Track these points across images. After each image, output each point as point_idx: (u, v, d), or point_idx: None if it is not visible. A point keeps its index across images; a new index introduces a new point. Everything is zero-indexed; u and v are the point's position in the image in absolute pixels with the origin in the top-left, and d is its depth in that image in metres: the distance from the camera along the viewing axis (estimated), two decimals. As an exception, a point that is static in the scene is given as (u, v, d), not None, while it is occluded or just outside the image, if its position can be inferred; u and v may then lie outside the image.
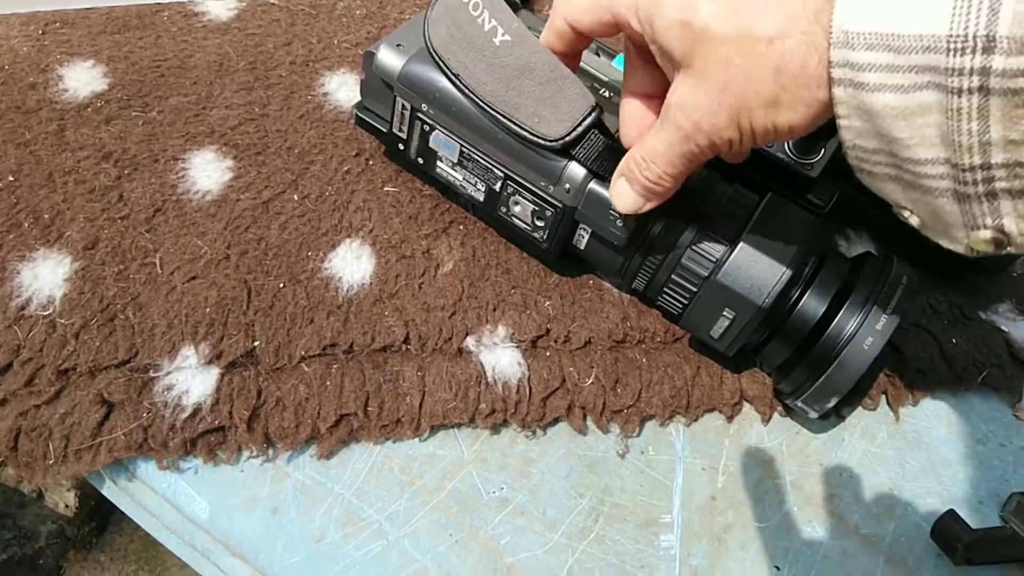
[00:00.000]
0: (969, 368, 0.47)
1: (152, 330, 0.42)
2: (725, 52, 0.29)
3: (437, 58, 0.41)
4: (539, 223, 0.44)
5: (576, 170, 0.41)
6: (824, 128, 0.43)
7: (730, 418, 0.45)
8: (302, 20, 0.58)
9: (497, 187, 0.44)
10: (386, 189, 0.50)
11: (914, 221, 0.30)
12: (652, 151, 0.35)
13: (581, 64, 0.46)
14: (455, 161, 0.45)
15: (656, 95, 0.37)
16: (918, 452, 0.45)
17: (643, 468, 0.43)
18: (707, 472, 0.43)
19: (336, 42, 0.57)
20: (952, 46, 0.24)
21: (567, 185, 0.41)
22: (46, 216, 0.45)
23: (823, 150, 0.45)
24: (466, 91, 0.40)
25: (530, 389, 0.43)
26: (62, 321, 0.42)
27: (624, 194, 0.38)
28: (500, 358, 0.44)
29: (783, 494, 0.43)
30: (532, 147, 0.40)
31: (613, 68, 0.47)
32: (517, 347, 0.44)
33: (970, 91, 0.24)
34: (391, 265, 0.46)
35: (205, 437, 0.40)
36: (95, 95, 0.51)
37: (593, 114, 0.39)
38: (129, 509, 0.41)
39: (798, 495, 0.43)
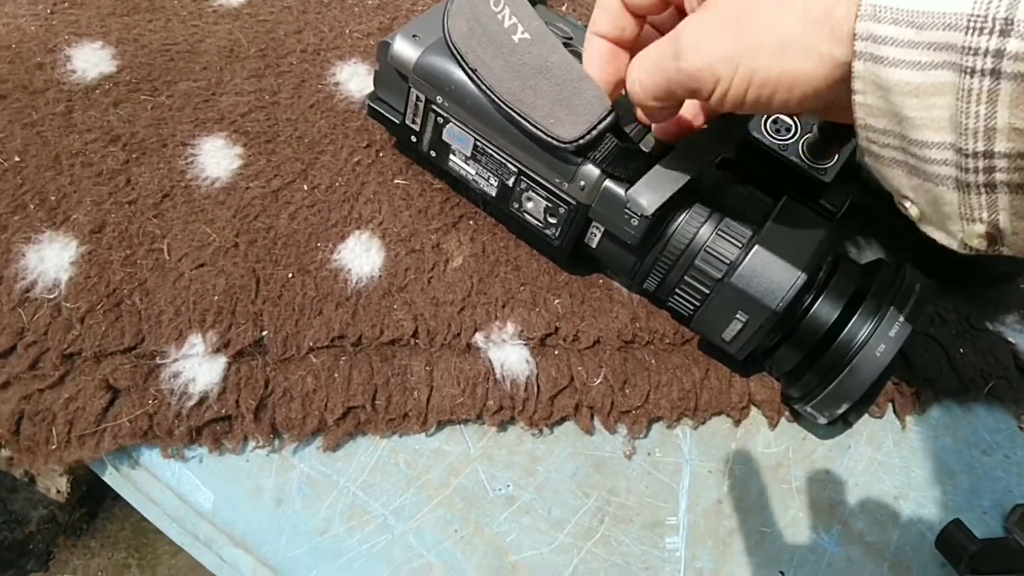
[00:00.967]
0: (976, 378, 0.47)
1: (159, 317, 0.41)
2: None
3: (455, 51, 0.40)
4: (552, 220, 0.44)
5: (591, 168, 0.40)
6: (839, 134, 0.43)
7: (737, 422, 0.45)
8: (314, 8, 0.57)
9: (510, 182, 0.44)
10: (396, 182, 0.49)
11: (913, 212, 0.29)
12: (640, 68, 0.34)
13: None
14: (468, 155, 0.44)
15: (624, 44, 0.37)
16: (924, 461, 0.45)
17: (649, 470, 0.43)
18: (713, 475, 0.43)
19: (348, 31, 0.56)
20: (972, 24, 0.24)
21: (582, 183, 0.41)
22: (52, 198, 0.44)
23: (837, 156, 0.45)
24: (482, 87, 0.40)
25: (538, 387, 0.43)
26: (67, 305, 0.41)
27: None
28: (509, 355, 0.44)
29: (789, 499, 0.43)
30: (544, 146, 0.40)
31: (630, 66, 0.47)
32: (526, 345, 0.44)
33: (983, 73, 0.24)
34: (400, 258, 0.46)
35: (211, 426, 0.40)
36: (103, 77, 0.50)
37: (609, 118, 0.39)
38: (131, 497, 0.40)
39: (803, 501, 0.43)
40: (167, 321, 0.41)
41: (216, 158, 0.48)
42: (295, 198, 0.47)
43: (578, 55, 0.43)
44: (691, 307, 0.42)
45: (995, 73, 0.24)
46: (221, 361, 0.41)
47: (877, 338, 0.39)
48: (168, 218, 0.45)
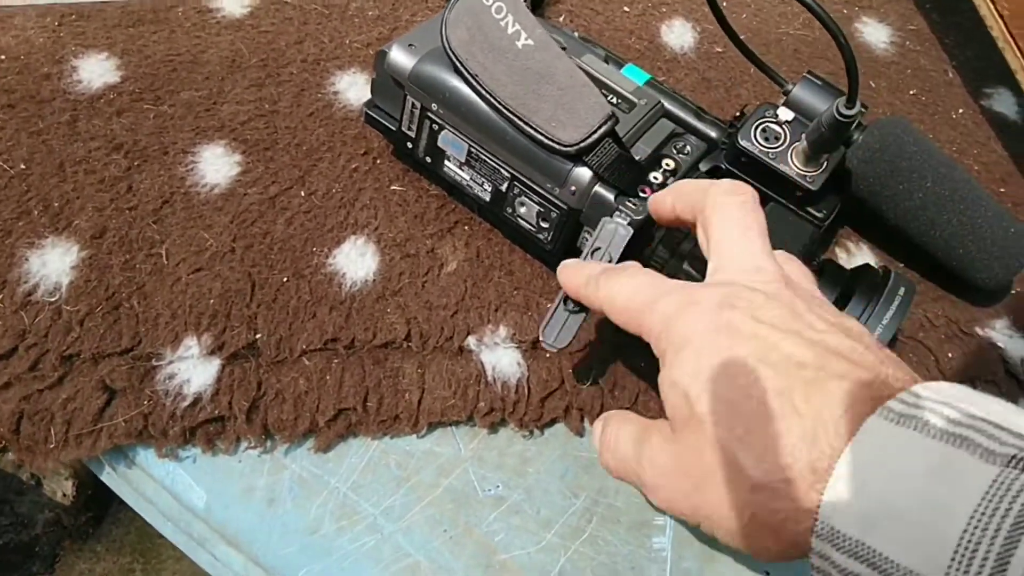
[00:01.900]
0: (964, 382, 0.47)
1: (156, 319, 0.42)
2: (708, 456, 0.29)
3: (455, 58, 0.41)
4: (544, 224, 0.44)
5: (582, 173, 0.41)
6: (826, 144, 0.44)
7: (726, 425, 0.45)
8: (315, 19, 0.58)
9: (503, 187, 0.44)
10: (393, 188, 0.50)
11: None
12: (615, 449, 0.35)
13: (589, 68, 0.46)
14: (463, 161, 0.45)
15: None
16: (912, 465, 0.45)
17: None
18: (702, 478, 0.44)
19: (348, 42, 0.57)
20: None
21: (572, 187, 0.42)
22: (56, 205, 0.46)
23: (824, 163, 0.45)
24: (484, 92, 0.41)
25: (529, 389, 0.43)
26: (68, 308, 0.42)
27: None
28: (500, 358, 0.44)
29: (777, 502, 0.43)
30: (542, 149, 0.41)
31: (621, 76, 0.47)
32: (518, 348, 0.45)
33: None
34: (395, 263, 0.47)
35: (204, 427, 0.41)
36: (108, 87, 0.51)
37: (608, 123, 0.40)
38: (127, 495, 0.41)
39: (792, 503, 0.43)
40: (163, 324, 0.42)
41: (216, 165, 0.49)
42: (292, 204, 0.48)
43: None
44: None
45: None
46: (215, 363, 0.41)
47: (861, 341, 0.39)
48: (167, 224, 0.46)
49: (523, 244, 0.49)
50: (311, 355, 0.43)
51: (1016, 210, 0.56)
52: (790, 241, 0.41)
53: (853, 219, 0.53)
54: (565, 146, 0.40)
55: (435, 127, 0.45)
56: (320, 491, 0.41)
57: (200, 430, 0.41)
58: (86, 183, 0.47)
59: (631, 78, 0.49)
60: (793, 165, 0.45)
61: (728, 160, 0.47)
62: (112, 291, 0.43)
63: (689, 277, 0.41)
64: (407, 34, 0.45)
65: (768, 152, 0.46)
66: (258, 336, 0.42)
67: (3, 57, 0.52)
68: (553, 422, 0.44)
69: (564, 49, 0.46)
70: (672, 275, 0.42)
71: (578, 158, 0.41)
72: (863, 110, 0.47)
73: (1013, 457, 0.22)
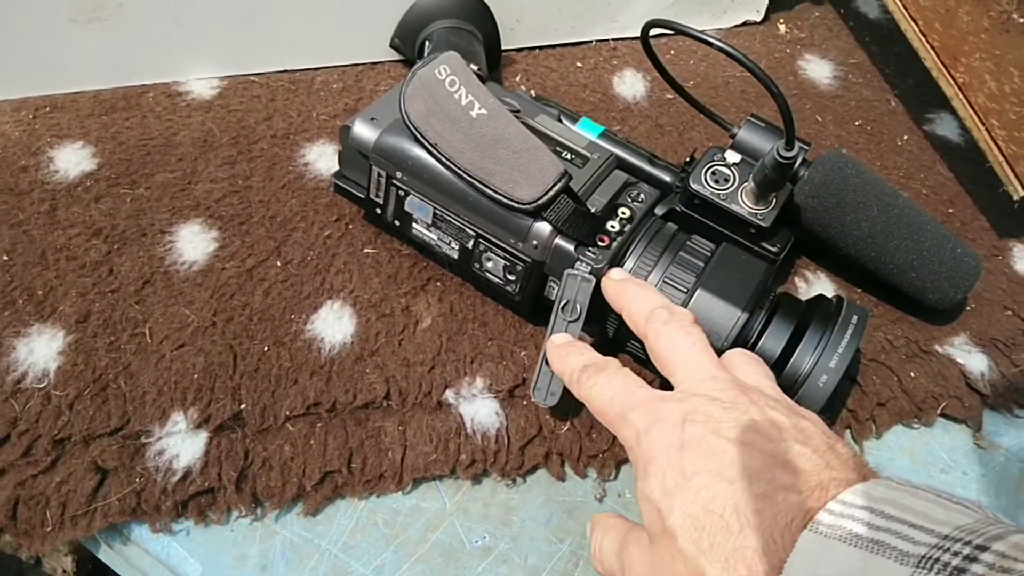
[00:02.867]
0: (928, 400, 0.49)
1: (143, 398, 0.44)
2: (679, 567, 0.31)
3: (415, 130, 0.44)
4: (511, 277, 0.46)
5: (542, 228, 0.43)
6: (773, 182, 0.46)
7: (702, 458, 0.47)
8: (282, 95, 0.61)
9: (470, 245, 0.46)
10: (366, 251, 0.52)
11: None
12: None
13: (543, 127, 0.49)
14: (429, 222, 0.47)
15: None
16: (884, 483, 0.47)
17: (621, 510, 0.45)
18: (682, 511, 0.45)
19: (315, 115, 0.60)
20: None
21: (534, 242, 0.44)
22: (40, 292, 0.47)
23: (774, 200, 0.47)
24: (444, 159, 0.43)
25: (508, 438, 0.45)
26: (57, 392, 0.43)
27: None
28: (479, 409, 0.46)
29: (755, 530, 0.45)
30: (503, 208, 0.43)
31: (574, 132, 0.50)
32: (495, 397, 0.46)
33: None
34: (371, 324, 0.48)
35: (196, 499, 0.42)
36: (85, 175, 0.53)
37: (563, 180, 0.42)
38: (125, 572, 0.42)
39: (770, 530, 0.45)
40: (151, 401, 0.44)
41: (193, 243, 0.51)
42: (269, 274, 0.50)
43: (527, 126, 0.47)
44: (645, 351, 0.45)
45: None
46: (203, 436, 0.43)
47: (819, 369, 0.41)
48: (149, 303, 0.48)
49: (494, 296, 0.51)
50: (295, 421, 0.44)
51: (964, 229, 0.59)
52: (745, 277, 0.43)
53: (809, 249, 0.56)
54: (524, 204, 0.42)
55: (401, 193, 0.47)
56: (312, 554, 0.42)
57: (192, 503, 0.42)
58: (68, 269, 0.48)
59: (586, 132, 0.52)
60: (744, 204, 0.48)
61: (683, 203, 0.49)
62: (99, 373, 0.44)
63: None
64: (368, 108, 0.48)
65: (719, 194, 0.48)
66: (243, 406, 0.44)
67: (-18, 153, 0.54)
68: (534, 469, 0.45)
69: (519, 111, 0.49)
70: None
71: (537, 214, 0.43)
72: (805, 147, 0.50)
73: (923, 557, 0.25)
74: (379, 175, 0.47)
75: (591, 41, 0.69)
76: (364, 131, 0.47)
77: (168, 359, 0.45)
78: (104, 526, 0.41)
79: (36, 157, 0.54)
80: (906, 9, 0.59)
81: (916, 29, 0.59)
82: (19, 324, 0.46)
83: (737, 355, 0.40)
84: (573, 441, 0.45)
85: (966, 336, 0.52)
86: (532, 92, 0.55)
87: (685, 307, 0.42)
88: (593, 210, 0.45)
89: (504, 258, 0.46)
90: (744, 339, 0.43)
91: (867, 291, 0.54)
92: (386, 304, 0.49)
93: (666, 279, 0.43)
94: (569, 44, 0.68)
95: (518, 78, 0.65)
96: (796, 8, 0.75)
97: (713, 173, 0.49)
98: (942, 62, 0.57)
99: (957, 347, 0.52)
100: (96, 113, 0.57)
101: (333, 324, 0.48)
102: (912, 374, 0.50)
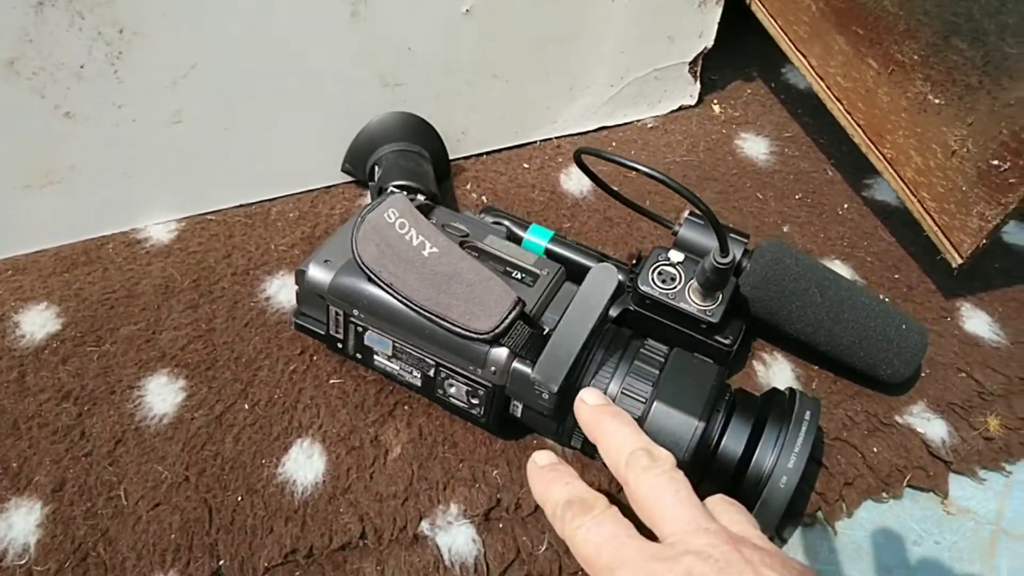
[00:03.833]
0: (893, 473, 0.50)
1: (123, 564, 0.44)
2: None
3: (369, 271, 0.45)
4: (474, 401, 0.47)
5: (499, 353, 0.45)
6: (716, 280, 0.48)
7: (680, 559, 0.47)
8: (240, 230, 0.62)
9: (431, 373, 0.48)
10: (331, 381, 0.53)
11: None
12: None
13: (492, 249, 0.50)
14: (390, 354, 0.49)
15: None
16: (859, 563, 0.47)
17: (605, 623, 0.45)
18: (665, 617, 0.45)
19: (273, 247, 0.61)
20: None
21: (492, 368, 0.45)
22: (14, 465, 0.48)
23: (720, 296, 0.49)
24: (400, 298, 0.45)
25: (487, 566, 0.45)
26: (38, 568, 0.44)
27: None
28: (455, 538, 0.46)
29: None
30: (460, 338, 0.44)
31: (522, 251, 0.51)
32: (471, 523, 0.47)
33: None
34: (342, 459, 0.49)
35: (181, 665, 0.42)
36: (50, 336, 0.54)
37: (517, 308, 0.44)
38: None
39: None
40: (131, 567, 0.44)
41: (161, 395, 0.51)
42: (238, 419, 0.51)
43: (477, 250, 0.49)
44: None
45: None
46: (183, 599, 0.43)
47: (779, 471, 0.42)
48: (122, 463, 0.48)
49: (462, 416, 0.52)
50: (273, 571, 0.44)
51: (911, 294, 0.60)
52: (698, 383, 0.44)
53: (765, 330, 0.57)
54: (482, 334, 0.44)
55: (360, 329, 0.48)
56: None
57: (176, 670, 0.42)
58: (40, 437, 0.49)
59: (537, 238, 0.54)
60: (692, 302, 0.49)
61: (635, 302, 0.51)
62: (78, 542, 0.45)
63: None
64: (321, 249, 0.49)
65: (667, 293, 0.50)
66: (221, 562, 0.44)
67: (-53, 325, 0.55)
68: (516, 593, 0.46)
69: (468, 235, 0.51)
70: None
71: (494, 341, 0.44)
72: (744, 240, 0.52)
73: None
74: (337, 313, 0.49)
75: (535, 141, 0.71)
76: (319, 274, 0.48)
77: (145, 520, 0.46)
78: None
79: (2, 323, 0.55)
80: (829, 89, 0.62)
81: (841, 108, 0.61)
82: (-6, 500, 0.46)
83: (719, 502, 0.39)
84: (552, 560, 0.46)
85: (924, 403, 0.54)
86: (484, 198, 0.57)
87: (645, 420, 0.43)
88: (547, 329, 0.46)
89: (466, 383, 0.47)
90: (706, 443, 0.44)
91: (823, 367, 0.55)
92: (355, 436, 0.50)
93: (624, 391, 0.45)
94: (515, 147, 0.71)
95: (468, 186, 0.67)
96: (728, 87, 0.78)
97: (660, 273, 0.50)
98: (869, 139, 0.60)
99: (916, 415, 0.53)
100: (58, 271, 0.58)
101: (304, 464, 0.49)
102: (875, 449, 0.51)
